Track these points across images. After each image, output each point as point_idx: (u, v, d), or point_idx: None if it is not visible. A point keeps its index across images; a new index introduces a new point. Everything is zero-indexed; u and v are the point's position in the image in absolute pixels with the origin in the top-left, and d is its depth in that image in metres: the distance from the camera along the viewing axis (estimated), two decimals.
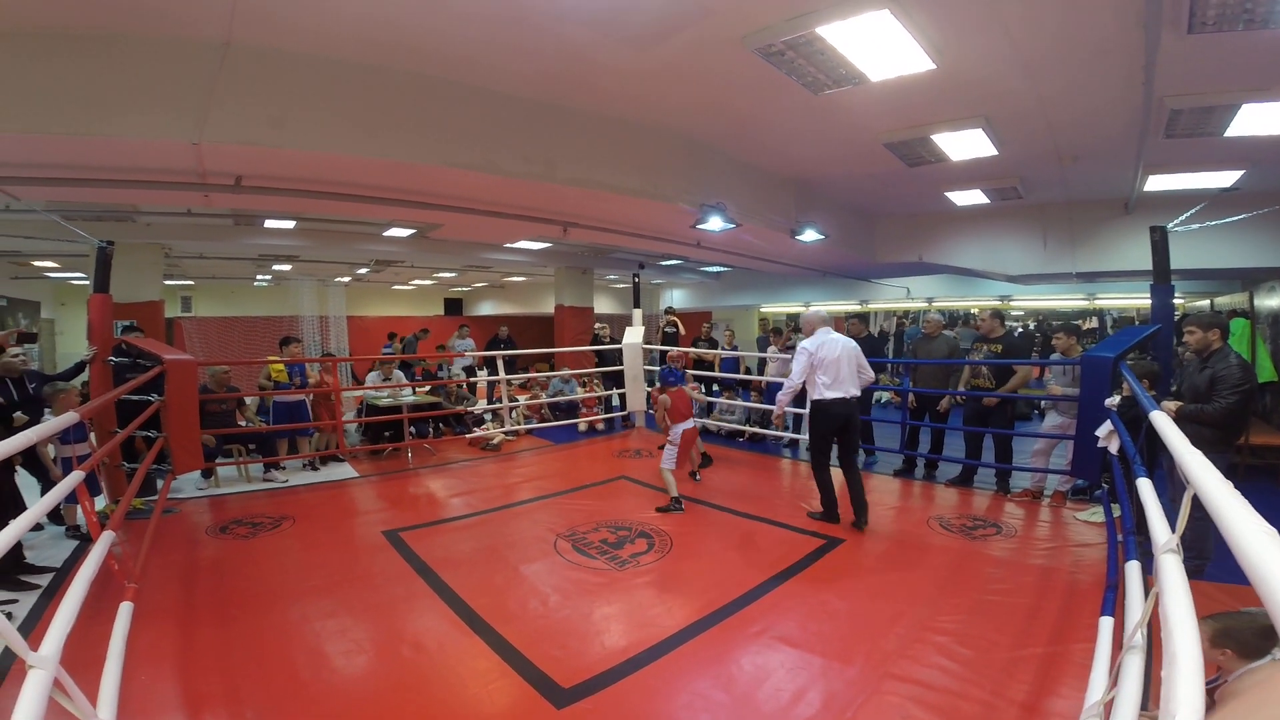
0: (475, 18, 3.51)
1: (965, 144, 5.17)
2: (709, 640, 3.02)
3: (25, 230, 7.12)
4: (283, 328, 10.99)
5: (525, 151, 4.78)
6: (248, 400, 6.95)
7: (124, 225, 7.28)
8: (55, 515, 4.54)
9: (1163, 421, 2.10)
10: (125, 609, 2.74)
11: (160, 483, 4.97)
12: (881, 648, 2.90)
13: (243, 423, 6.65)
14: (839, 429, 4.61)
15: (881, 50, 3.50)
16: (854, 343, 4.68)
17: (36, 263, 10.41)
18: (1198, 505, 1.33)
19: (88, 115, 3.50)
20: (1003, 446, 5.70)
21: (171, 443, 4.80)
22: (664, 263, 12.37)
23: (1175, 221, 5.45)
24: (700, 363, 9.17)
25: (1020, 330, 12.27)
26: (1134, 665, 1.64)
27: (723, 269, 13.73)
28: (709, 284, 16.51)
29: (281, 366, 6.56)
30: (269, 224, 8.05)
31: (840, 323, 7.56)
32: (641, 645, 2.96)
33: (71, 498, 2.93)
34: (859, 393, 4.62)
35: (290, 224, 8.16)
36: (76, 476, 2.64)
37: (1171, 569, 1.39)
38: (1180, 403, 3.63)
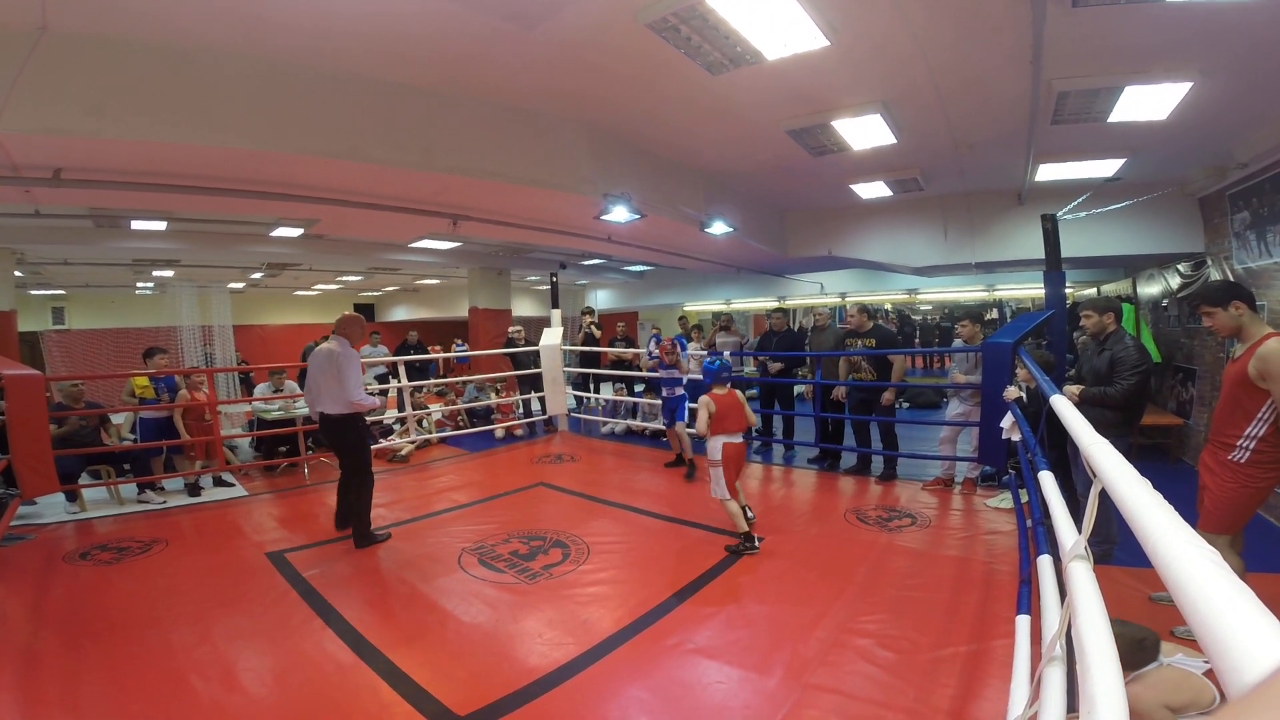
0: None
1: (865, 131, 5.14)
2: (622, 657, 2.83)
3: None
4: (158, 339, 9.94)
5: (399, 139, 4.37)
6: (117, 418, 6.35)
7: None
8: None
9: (1064, 406, 2.06)
10: None
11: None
12: (801, 655, 2.79)
13: (108, 442, 5.98)
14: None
15: (773, 24, 3.38)
16: (330, 351, 4.38)
17: None
18: (1103, 493, 1.26)
19: None
20: (889, 435, 5.81)
21: (16, 464, 4.38)
22: (586, 262, 12.01)
23: (1064, 210, 5.70)
24: (619, 362, 8.92)
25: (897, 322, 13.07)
26: (1055, 677, 1.51)
27: (646, 268, 13.56)
28: (633, 284, 16.33)
29: (146, 381, 5.96)
30: (136, 225, 7.09)
31: (761, 319, 7.60)
32: (546, 668, 2.74)
33: None
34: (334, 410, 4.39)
35: (161, 225, 7.23)
36: None
37: (1081, 579, 1.26)
38: (1082, 386, 3.67)
